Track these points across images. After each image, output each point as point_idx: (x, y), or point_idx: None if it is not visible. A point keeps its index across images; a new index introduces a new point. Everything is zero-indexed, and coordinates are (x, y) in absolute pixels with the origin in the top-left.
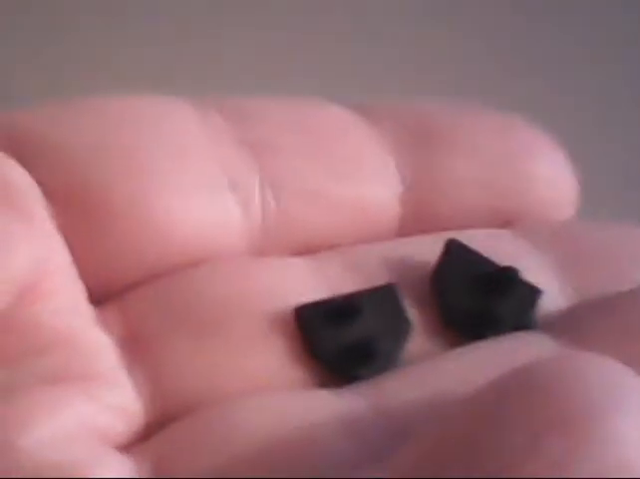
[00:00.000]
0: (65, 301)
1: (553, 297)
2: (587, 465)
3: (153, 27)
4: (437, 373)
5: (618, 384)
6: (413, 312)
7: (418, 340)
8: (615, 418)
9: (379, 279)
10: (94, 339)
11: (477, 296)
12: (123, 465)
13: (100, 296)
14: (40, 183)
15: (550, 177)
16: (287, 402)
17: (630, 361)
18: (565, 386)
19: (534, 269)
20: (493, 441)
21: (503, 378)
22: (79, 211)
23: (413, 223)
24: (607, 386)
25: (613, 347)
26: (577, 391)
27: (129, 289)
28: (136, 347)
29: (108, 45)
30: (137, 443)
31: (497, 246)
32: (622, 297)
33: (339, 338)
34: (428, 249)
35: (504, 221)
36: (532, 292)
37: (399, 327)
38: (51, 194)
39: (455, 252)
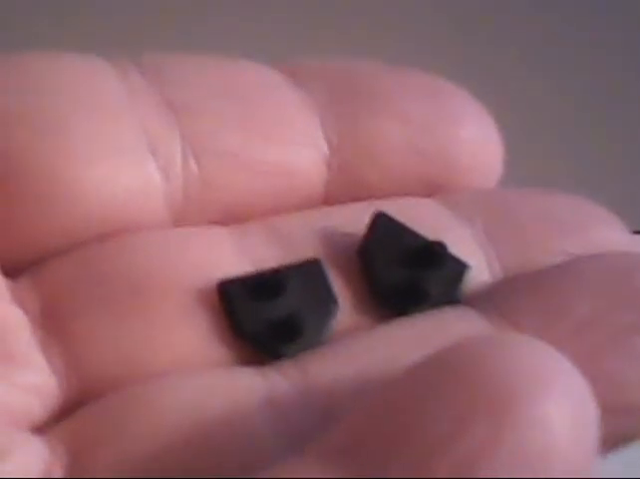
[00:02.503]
0: None
1: (480, 270)
2: (512, 450)
3: (153, 27)
4: (362, 351)
5: (546, 368)
6: (339, 287)
7: (344, 316)
8: (542, 402)
9: (305, 252)
10: (6, 316)
11: (404, 271)
12: (36, 449)
13: (14, 269)
14: None
15: (477, 142)
16: (209, 381)
17: (554, 339)
18: (491, 369)
19: (461, 241)
20: (417, 426)
21: (428, 360)
22: None
23: (339, 188)
24: (534, 370)
25: (538, 325)
26: (503, 375)
27: (45, 262)
28: (51, 323)
29: (108, 44)
30: (54, 424)
31: (424, 218)
32: (548, 272)
33: (263, 315)
34: (354, 220)
35: (432, 186)
36: (460, 267)
37: (325, 304)
38: None
39: (382, 226)
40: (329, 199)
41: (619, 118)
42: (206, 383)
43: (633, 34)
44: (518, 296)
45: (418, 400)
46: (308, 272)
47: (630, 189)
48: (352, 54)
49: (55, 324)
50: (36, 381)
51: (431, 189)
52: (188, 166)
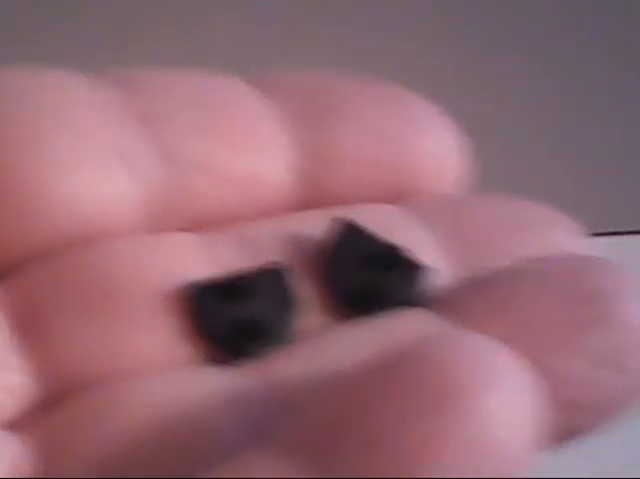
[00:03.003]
0: None
1: (439, 274)
2: (455, 444)
3: (152, 27)
4: (322, 351)
5: (488, 361)
6: (303, 290)
7: (308, 318)
8: (484, 396)
9: (271, 257)
10: None
11: (365, 274)
12: (9, 443)
13: None
14: None
15: (438, 151)
16: (175, 381)
17: (503, 336)
18: (436, 365)
19: (421, 245)
20: (362, 421)
21: (377, 358)
22: None
23: (305, 196)
24: (477, 364)
25: (489, 324)
26: (447, 369)
27: (20, 266)
28: (27, 326)
29: (107, 44)
30: (27, 422)
31: (385, 223)
32: (502, 274)
33: (228, 316)
34: (318, 226)
35: (395, 194)
36: (417, 269)
37: (288, 306)
38: None
39: (344, 231)
40: (296, 206)
41: (619, 118)
42: (173, 383)
43: (633, 34)
44: (472, 297)
45: (364, 396)
46: (273, 276)
47: (630, 189)
48: (351, 56)
49: (29, 327)
50: (10, 381)
51: (394, 196)
52: (159, 174)
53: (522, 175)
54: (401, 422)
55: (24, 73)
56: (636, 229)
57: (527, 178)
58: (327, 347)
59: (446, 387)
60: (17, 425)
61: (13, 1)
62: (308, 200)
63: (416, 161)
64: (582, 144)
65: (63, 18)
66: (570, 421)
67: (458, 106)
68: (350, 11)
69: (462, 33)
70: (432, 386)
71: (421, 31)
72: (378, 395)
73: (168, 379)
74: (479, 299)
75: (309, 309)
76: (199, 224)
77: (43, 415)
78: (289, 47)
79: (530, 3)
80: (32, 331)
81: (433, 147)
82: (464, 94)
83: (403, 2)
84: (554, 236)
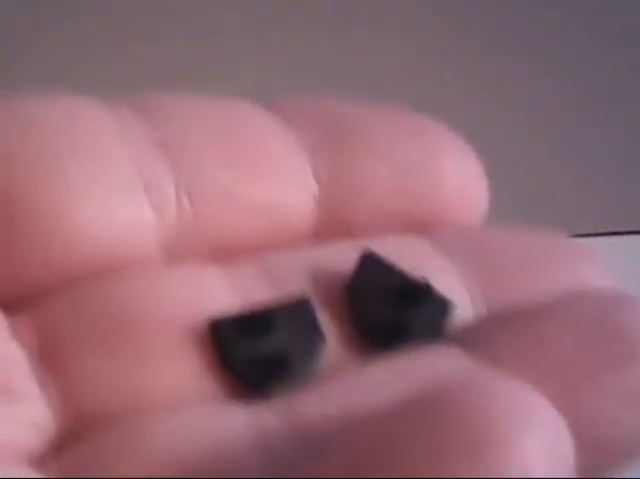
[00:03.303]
0: None
1: (464, 308)
2: None
3: (153, 27)
4: (348, 389)
5: (524, 409)
6: (327, 324)
7: (331, 352)
8: (519, 443)
9: (294, 289)
10: (5, 351)
11: (390, 309)
12: None
13: (11, 303)
14: None
15: (460, 180)
16: (199, 418)
17: (532, 376)
18: (471, 410)
19: (446, 279)
20: (396, 463)
21: (410, 400)
22: None
23: (327, 225)
24: (512, 411)
25: (517, 363)
26: (480, 415)
27: (41, 296)
28: (48, 359)
29: (108, 44)
30: (49, 458)
31: (410, 256)
32: (529, 311)
33: (252, 352)
34: (342, 258)
35: (417, 223)
36: (444, 305)
37: (313, 341)
38: None
39: (369, 265)
40: (317, 236)
41: (619, 118)
42: (195, 420)
43: (633, 34)
44: (499, 335)
45: (399, 438)
46: (297, 310)
47: (630, 189)
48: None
49: (51, 360)
50: (34, 416)
51: (416, 225)
52: (181, 203)
53: (522, 175)
54: (438, 466)
55: (40, 99)
56: (636, 229)
57: (527, 178)
58: (353, 385)
59: (480, 434)
60: (40, 461)
61: (13, 1)
62: (330, 229)
63: (438, 190)
64: (582, 144)
65: (63, 18)
66: (597, 460)
67: (458, 106)
68: (350, 11)
69: (462, 33)
70: (466, 432)
71: (421, 31)
72: (413, 438)
73: (190, 416)
74: (507, 338)
75: (331, 344)
76: (220, 254)
77: (66, 452)
78: (289, 46)
79: (530, 3)
80: (52, 364)
81: (455, 176)
82: (464, 94)
83: (403, 2)
84: (579, 269)
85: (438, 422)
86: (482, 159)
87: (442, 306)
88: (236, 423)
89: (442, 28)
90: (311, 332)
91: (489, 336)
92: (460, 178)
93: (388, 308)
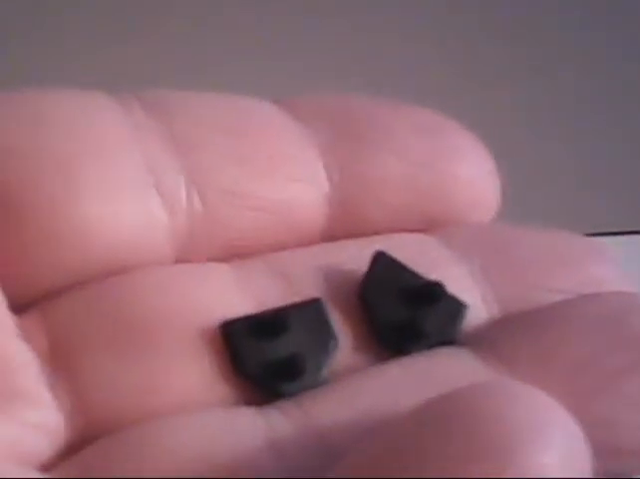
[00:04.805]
0: None
1: (477, 308)
2: None
3: (153, 27)
4: (361, 392)
5: (543, 418)
6: (339, 326)
7: (343, 353)
8: (538, 453)
9: (306, 290)
10: (14, 354)
11: (402, 311)
12: None
13: (20, 304)
14: None
15: (474, 178)
16: (211, 422)
17: (547, 382)
18: (490, 419)
19: (458, 279)
20: (417, 468)
21: (429, 405)
22: None
23: (339, 223)
24: (531, 419)
25: (532, 368)
26: (499, 423)
27: (51, 297)
28: (57, 360)
29: (107, 44)
30: (59, 462)
31: (422, 255)
32: (543, 314)
33: (265, 355)
34: (354, 257)
35: (430, 221)
36: (458, 306)
37: (325, 344)
38: None
39: (381, 265)
40: (330, 233)
41: (619, 118)
42: (209, 424)
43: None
44: (514, 338)
45: (419, 443)
46: (310, 312)
47: (630, 189)
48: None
49: (61, 362)
50: (44, 419)
51: (428, 223)
52: (192, 202)
53: (522, 175)
54: (454, 472)
55: (49, 93)
56: (636, 229)
57: (528, 178)
58: (367, 388)
59: (501, 442)
60: (50, 466)
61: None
62: (342, 227)
63: (451, 187)
64: (582, 144)
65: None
66: (613, 466)
67: (457, 106)
68: (350, 11)
69: (462, 33)
70: (486, 440)
71: (421, 31)
72: (430, 445)
73: (203, 420)
74: (520, 341)
75: (344, 345)
76: (231, 252)
77: (76, 456)
78: (288, 45)
79: (531, 3)
80: (62, 366)
81: (468, 173)
82: (463, 93)
83: (403, 2)
84: (593, 268)
85: (459, 429)
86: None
87: (455, 308)
88: (250, 427)
89: (442, 28)
90: (324, 334)
91: (502, 340)
92: (472, 175)
93: (401, 309)
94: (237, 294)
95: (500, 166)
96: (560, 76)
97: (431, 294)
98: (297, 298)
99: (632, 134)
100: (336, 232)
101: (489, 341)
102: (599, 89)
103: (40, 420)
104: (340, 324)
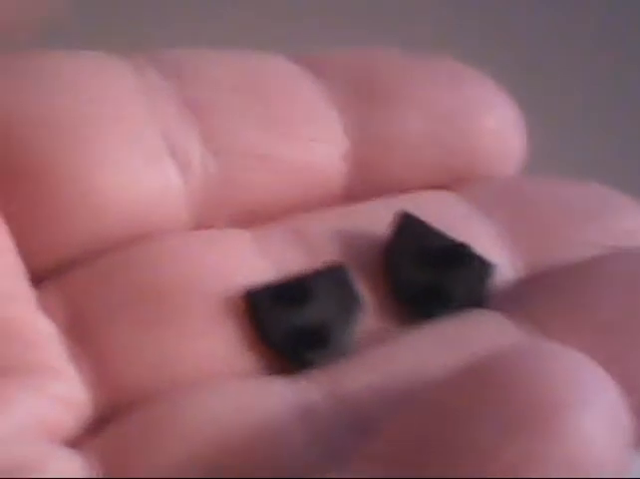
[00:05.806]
0: (2, 287)
1: (504, 268)
2: (552, 464)
3: (153, 26)
4: (391, 359)
5: (583, 380)
6: (364, 290)
7: (369, 319)
8: (581, 415)
9: (328, 254)
10: (35, 327)
11: (428, 273)
12: (73, 462)
13: (42, 275)
14: None
15: (499, 132)
16: (240, 392)
17: (581, 342)
18: (528, 382)
19: (484, 238)
20: (454, 443)
21: (468, 370)
22: (11, 185)
23: (361, 183)
24: (572, 382)
25: (565, 327)
26: (541, 387)
27: (71, 267)
28: (80, 333)
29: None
30: (86, 437)
31: (446, 214)
32: (573, 271)
33: (290, 322)
34: (376, 220)
35: (453, 176)
36: (485, 267)
37: (351, 310)
38: None
39: (405, 227)
40: (351, 193)
41: (619, 118)
42: (237, 394)
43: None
44: (544, 298)
45: (462, 409)
46: (333, 278)
47: (630, 189)
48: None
49: (82, 334)
50: (67, 393)
51: (453, 179)
52: (208, 165)
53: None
54: (499, 438)
55: (66, 55)
56: None
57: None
58: (396, 355)
59: (544, 405)
60: (77, 441)
61: None
62: (362, 187)
63: (475, 141)
64: (582, 143)
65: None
66: None
67: None
68: (350, 11)
69: (462, 33)
70: (529, 404)
71: (421, 31)
72: (475, 410)
73: (229, 390)
74: (551, 302)
75: (369, 311)
76: (250, 217)
77: (101, 429)
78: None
79: (531, 3)
80: (83, 338)
81: (493, 126)
82: None
83: (403, 2)
84: (620, 220)
85: (500, 392)
86: None
87: (482, 269)
88: (278, 396)
89: (442, 28)
90: (349, 300)
91: (532, 300)
92: (497, 127)
93: (426, 272)
94: (258, 261)
95: None
96: (559, 77)
97: (457, 256)
98: (319, 263)
99: (632, 133)
100: (357, 192)
101: (519, 303)
102: (599, 88)
103: (66, 394)
104: (364, 289)
